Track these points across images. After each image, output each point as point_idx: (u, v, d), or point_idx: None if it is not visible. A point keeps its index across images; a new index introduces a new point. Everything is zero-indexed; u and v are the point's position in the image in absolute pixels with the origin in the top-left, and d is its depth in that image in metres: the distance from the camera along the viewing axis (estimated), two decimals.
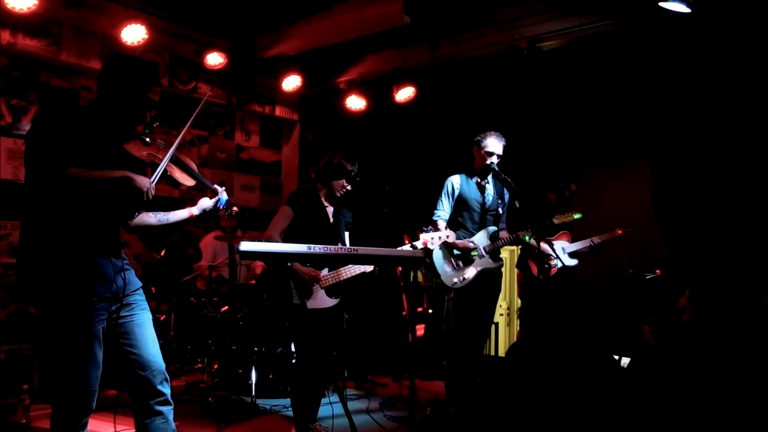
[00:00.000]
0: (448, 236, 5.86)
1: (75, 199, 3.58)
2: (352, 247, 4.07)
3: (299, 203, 5.54)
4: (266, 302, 5.53)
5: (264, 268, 8.24)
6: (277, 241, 5.32)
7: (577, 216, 6.81)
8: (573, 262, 7.32)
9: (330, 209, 5.67)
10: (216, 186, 4.36)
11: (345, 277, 5.49)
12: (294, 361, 7.38)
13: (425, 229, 5.99)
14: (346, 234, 5.81)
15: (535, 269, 7.27)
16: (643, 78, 8.46)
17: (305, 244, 3.84)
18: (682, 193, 8.23)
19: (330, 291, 5.48)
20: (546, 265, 7.17)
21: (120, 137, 3.81)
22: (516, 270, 7.98)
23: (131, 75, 3.80)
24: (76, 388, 3.60)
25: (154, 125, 3.96)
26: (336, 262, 5.35)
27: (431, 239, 5.73)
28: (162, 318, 7.67)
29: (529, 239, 6.48)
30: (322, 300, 5.43)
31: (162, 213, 4.19)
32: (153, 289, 7.91)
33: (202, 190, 4.36)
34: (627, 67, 8.47)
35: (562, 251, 7.24)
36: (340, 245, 5.43)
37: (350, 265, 5.49)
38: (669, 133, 8.41)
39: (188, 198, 7.98)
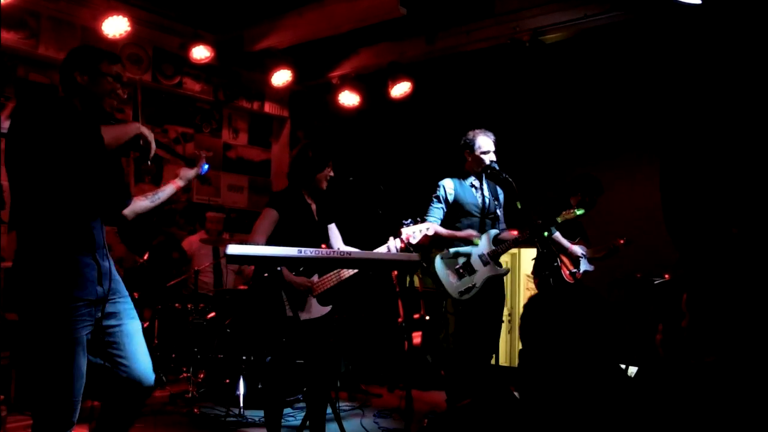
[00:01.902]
0: (428, 228, 5.83)
1: (60, 194, 3.59)
2: (345, 251, 4.06)
3: (284, 204, 5.46)
4: (256, 316, 5.45)
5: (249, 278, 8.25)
6: None
7: (579, 212, 6.80)
8: (590, 267, 7.37)
9: (314, 207, 5.62)
10: (192, 156, 4.39)
11: (336, 282, 5.45)
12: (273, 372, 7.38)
13: (405, 222, 5.97)
14: (332, 227, 5.74)
15: (566, 270, 7.29)
16: (651, 73, 8.46)
17: (296, 248, 3.82)
18: (692, 194, 8.23)
19: (322, 299, 5.45)
20: (573, 270, 7.22)
21: (93, 121, 3.78)
22: (533, 278, 7.95)
23: (71, 63, 3.82)
24: (58, 399, 3.57)
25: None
26: (328, 265, 5.31)
27: (413, 233, 5.71)
28: (145, 325, 7.66)
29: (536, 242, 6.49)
30: (315, 309, 5.40)
31: (151, 193, 4.19)
32: (136, 294, 7.89)
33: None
34: (635, 61, 8.47)
35: (582, 256, 7.29)
36: (326, 246, 5.43)
37: (340, 269, 5.44)
38: (679, 131, 8.42)
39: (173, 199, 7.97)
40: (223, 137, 10.64)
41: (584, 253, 7.37)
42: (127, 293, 3.95)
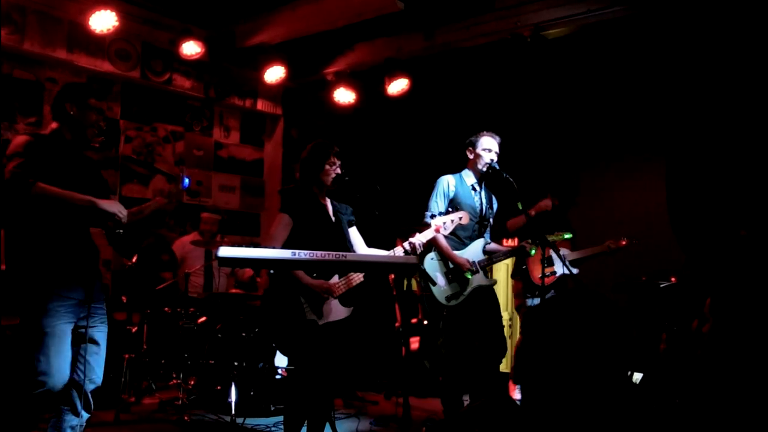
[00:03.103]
0: (461, 217, 5.83)
1: (47, 210, 4.28)
2: (341, 253, 4.05)
3: (296, 207, 5.38)
4: (274, 321, 5.39)
5: (259, 281, 8.25)
6: None
7: (567, 236, 6.87)
8: (574, 270, 7.36)
9: (330, 207, 5.61)
10: (176, 172, 4.77)
11: (357, 282, 5.39)
12: (281, 378, 7.37)
13: (434, 213, 5.98)
14: (353, 230, 5.72)
15: (536, 274, 7.32)
16: (657, 69, 8.46)
17: (289, 250, 3.83)
18: (699, 194, 8.23)
19: (343, 300, 5.40)
20: (547, 273, 7.21)
21: (79, 149, 4.63)
22: (512, 280, 8.00)
23: (64, 95, 4.58)
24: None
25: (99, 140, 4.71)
26: (326, 268, 5.29)
27: (443, 224, 5.69)
28: (134, 330, 7.64)
29: (534, 252, 6.49)
30: (337, 311, 5.36)
31: (136, 208, 4.72)
32: (124, 298, 7.88)
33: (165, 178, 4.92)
34: (639, 57, 8.47)
35: (562, 259, 7.29)
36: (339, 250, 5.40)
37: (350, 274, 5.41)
38: (685, 129, 8.41)
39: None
40: (214, 136, 10.63)
41: (565, 255, 7.34)
42: (104, 297, 4.65)
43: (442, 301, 6.37)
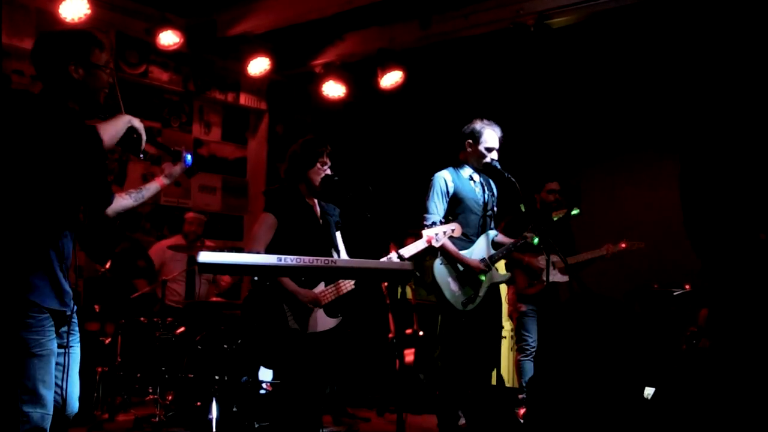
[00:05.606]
0: (453, 230, 5.81)
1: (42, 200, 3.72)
2: (330, 259, 4.04)
3: (281, 207, 5.39)
4: (254, 330, 5.38)
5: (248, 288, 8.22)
6: None
7: (574, 212, 6.82)
8: (564, 278, 7.33)
9: (317, 208, 5.59)
10: (177, 149, 4.44)
11: (347, 290, 5.40)
12: (265, 393, 7.36)
13: (426, 224, 5.95)
14: (338, 235, 5.72)
15: (522, 283, 7.34)
16: (670, 61, 8.46)
17: (275, 255, 3.82)
18: (715, 196, 8.23)
19: (330, 310, 5.38)
20: (535, 281, 7.24)
21: (81, 117, 3.93)
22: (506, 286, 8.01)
23: (62, 54, 3.94)
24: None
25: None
26: (314, 275, 5.27)
27: (435, 235, 5.67)
28: (107, 341, 7.61)
29: (537, 241, 6.45)
30: (322, 322, 5.34)
31: (134, 190, 4.26)
32: (97, 307, 7.84)
33: (160, 157, 4.52)
34: (651, 47, 8.47)
35: (552, 266, 7.23)
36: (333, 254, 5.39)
37: (338, 282, 5.39)
38: (700, 126, 8.42)
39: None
40: (193, 132, 10.60)
41: (554, 262, 7.28)
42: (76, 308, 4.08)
43: (460, 307, 6.27)
